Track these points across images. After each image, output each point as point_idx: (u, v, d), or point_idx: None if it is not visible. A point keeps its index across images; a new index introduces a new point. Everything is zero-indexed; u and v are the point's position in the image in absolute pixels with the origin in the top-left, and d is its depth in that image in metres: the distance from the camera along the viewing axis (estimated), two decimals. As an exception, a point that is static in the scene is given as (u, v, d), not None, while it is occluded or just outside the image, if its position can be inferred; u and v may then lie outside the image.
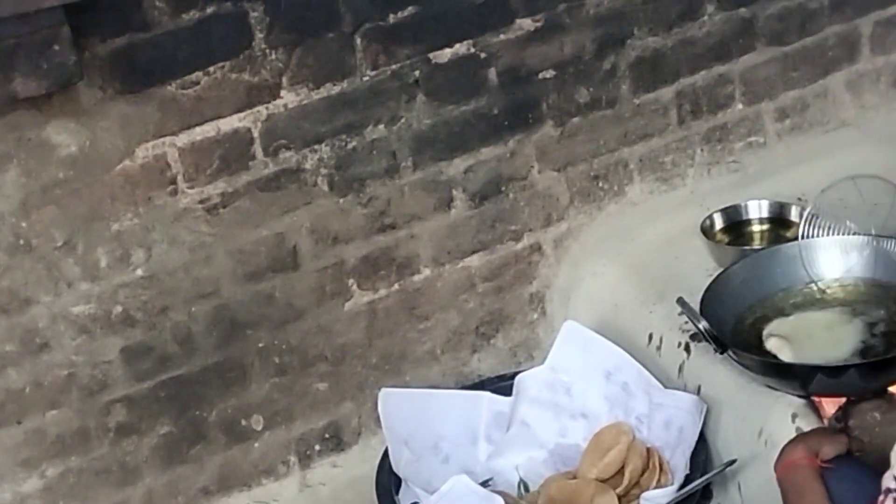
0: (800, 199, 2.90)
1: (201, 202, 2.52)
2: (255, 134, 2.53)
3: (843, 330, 2.44)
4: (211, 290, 2.58)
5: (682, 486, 2.40)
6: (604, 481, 2.49)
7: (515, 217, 2.85)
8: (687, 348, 2.59)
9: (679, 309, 2.54)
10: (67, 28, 2.15)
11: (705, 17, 2.91)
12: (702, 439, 2.47)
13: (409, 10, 2.59)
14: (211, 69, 2.44)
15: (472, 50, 2.68)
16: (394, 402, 2.59)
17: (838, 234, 2.61)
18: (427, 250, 2.78)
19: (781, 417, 2.33)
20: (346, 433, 2.82)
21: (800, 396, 2.34)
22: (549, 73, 2.78)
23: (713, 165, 3.05)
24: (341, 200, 2.65)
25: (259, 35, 2.47)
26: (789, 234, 2.80)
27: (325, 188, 2.63)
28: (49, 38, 2.14)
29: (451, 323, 2.86)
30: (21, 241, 2.39)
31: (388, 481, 2.55)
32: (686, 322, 2.56)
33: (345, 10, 2.53)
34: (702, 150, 3.02)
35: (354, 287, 2.73)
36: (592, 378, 2.61)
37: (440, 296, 2.82)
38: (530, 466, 2.61)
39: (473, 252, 2.83)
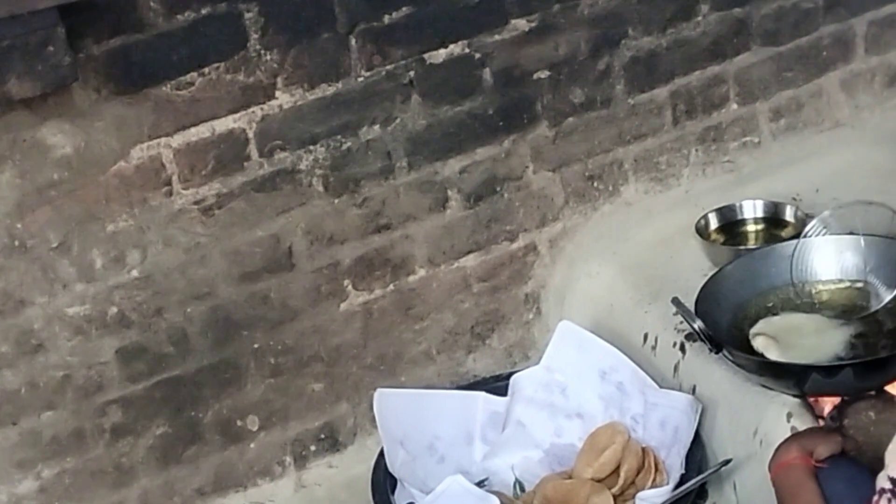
0: (794, 198, 2.91)
1: (196, 203, 2.52)
2: (250, 135, 2.53)
3: (830, 331, 2.45)
4: (206, 290, 2.58)
5: (677, 486, 2.40)
6: (599, 481, 2.49)
7: (510, 217, 2.85)
8: (682, 348, 2.59)
9: (674, 309, 2.54)
10: (62, 29, 2.15)
11: (700, 18, 2.91)
12: (697, 439, 2.47)
13: (404, 10, 2.59)
14: (206, 70, 2.44)
15: (467, 50, 2.68)
16: (389, 402, 2.59)
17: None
18: (422, 251, 2.78)
19: (776, 417, 2.33)
20: (341, 433, 2.82)
21: (794, 396, 2.34)
22: (544, 74, 2.78)
23: (708, 165, 3.05)
24: (336, 201, 2.66)
25: (254, 36, 2.47)
26: (784, 233, 2.81)
27: (320, 189, 2.63)
28: (44, 39, 2.14)
29: (447, 323, 2.86)
30: (16, 242, 2.39)
31: (383, 481, 2.55)
32: (681, 322, 2.56)
33: (339, 11, 2.53)
34: (696, 149, 3.03)
35: (350, 287, 2.73)
36: (587, 378, 2.61)
37: (435, 296, 2.82)
38: (526, 466, 2.61)
39: (468, 252, 2.83)
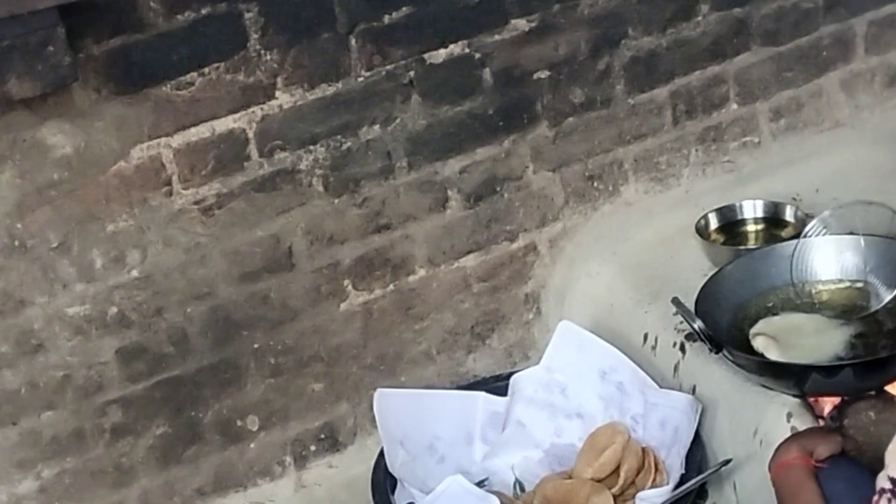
0: (794, 198, 2.91)
1: (196, 203, 2.52)
2: (250, 135, 2.53)
3: (830, 331, 2.45)
4: (206, 290, 2.58)
5: (677, 486, 2.40)
6: (599, 481, 2.49)
7: (510, 217, 2.85)
8: (682, 348, 2.59)
9: (674, 309, 2.54)
10: (62, 29, 2.15)
11: (700, 18, 2.91)
12: (697, 439, 2.47)
13: (404, 10, 2.59)
14: (206, 70, 2.44)
15: (467, 50, 2.68)
16: (389, 402, 2.59)
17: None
18: (422, 251, 2.78)
19: (776, 417, 2.33)
20: (341, 433, 2.82)
21: (794, 396, 2.34)
22: (544, 74, 2.78)
23: (708, 165, 3.05)
24: (336, 201, 2.66)
25: (254, 36, 2.47)
26: (784, 233, 2.81)
27: (320, 189, 2.63)
28: (44, 39, 2.14)
29: (447, 323, 2.86)
30: (16, 243, 2.39)
31: (383, 482, 2.55)
32: (681, 322, 2.56)
33: (339, 11, 2.53)
34: (696, 149, 3.03)
35: (350, 287, 2.73)
36: (587, 378, 2.61)
37: (435, 296, 2.82)
38: (526, 466, 2.61)
39: (468, 252, 2.83)
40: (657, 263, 2.83)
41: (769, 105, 3.07)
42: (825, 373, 2.28)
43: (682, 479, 2.41)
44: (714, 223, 2.88)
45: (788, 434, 2.23)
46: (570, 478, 2.53)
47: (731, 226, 2.88)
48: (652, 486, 2.45)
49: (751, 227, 2.89)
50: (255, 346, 2.66)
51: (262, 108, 2.52)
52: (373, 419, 2.61)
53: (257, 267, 2.62)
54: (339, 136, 2.62)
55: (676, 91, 2.95)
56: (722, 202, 2.90)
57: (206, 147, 2.50)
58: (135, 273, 2.51)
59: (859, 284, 2.54)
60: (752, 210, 2.89)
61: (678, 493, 2.37)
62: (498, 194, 2.82)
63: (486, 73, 2.72)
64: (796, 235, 2.68)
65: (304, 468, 2.80)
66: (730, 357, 2.40)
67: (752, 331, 2.47)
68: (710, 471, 2.42)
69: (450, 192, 2.77)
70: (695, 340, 2.53)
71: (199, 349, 2.61)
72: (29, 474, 2.53)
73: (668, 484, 2.43)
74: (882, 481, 1.69)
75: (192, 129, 2.47)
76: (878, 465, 1.72)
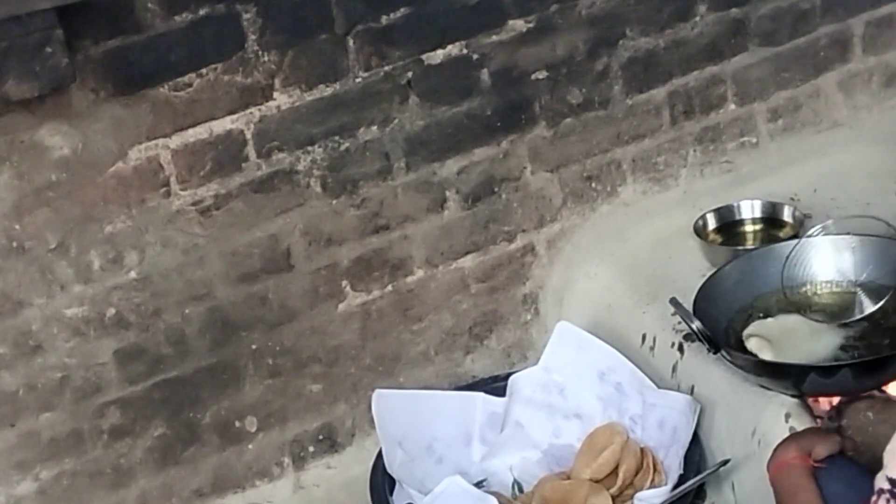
0: (792, 199, 2.91)
1: (194, 204, 2.52)
2: (248, 136, 2.53)
3: (824, 333, 2.44)
4: (204, 291, 2.58)
5: (675, 486, 2.40)
6: (598, 482, 2.49)
7: (508, 218, 2.85)
8: (680, 348, 2.59)
9: (672, 309, 2.54)
10: (60, 30, 2.15)
11: (697, 18, 2.91)
12: (695, 439, 2.47)
13: (402, 11, 2.59)
14: (203, 71, 2.44)
15: (465, 51, 2.68)
16: (387, 403, 2.59)
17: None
18: (420, 251, 2.78)
19: (774, 417, 2.33)
20: (339, 434, 2.82)
21: (793, 396, 2.34)
22: (542, 74, 2.78)
23: (706, 166, 3.05)
24: (334, 202, 2.66)
25: (252, 37, 2.47)
26: (782, 233, 2.81)
27: (319, 189, 2.63)
28: (41, 40, 2.14)
29: (445, 324, 2.86)
30: (14, 244, 2.39)
31: (382, 482, 2.56)
32: (679, 322, 2.56)
33: (337, 12, 2.53)
34: (694, 150, 3.03)
35: (348, 288, 2.73)
36: (586, 378, 2.61)
37: (433, 297, 2.82)
38: (524, 467, 2.61)
39: (467, 253, 2.83)
40: (655, 264, 2.83)
41: (767, 105, 3.07)
42: (823, 373, 2.28)
43: (681, 480, 2.41)
44: (712, 223, 2.88)
45: (787, 434, 2.23)
46: (569, 478, 2.53)
47: (729, 226, 2.89)
48: (650, 487, 2.45)
49: (749, 228, 2.89)
50: (254, 347, 2.66)
51: (260, 109, 2.52)
52: (371, 420, 2.61)
53: (255, 268, 2.62)
54: (337, 137, 2.62)
55: (674, 91, 2.95)
56: (720, 202, 2.90)
57: (204, 148, 2.50)
58: (133, 274, 2.51)
59: (855, 287, 2.54)
60: (750, 210, 2.89)
61: (677, 494, 2.37)
62: (496, 195, 2.82)
63: (484, 74, 2.72)
64: (794, 236, 2.68)
65: (303, 469, 2.80)
66: (728, 357, 2.40)
67: (746, 332, 2.47)
68: (708, 471, 2.42)
69: (448, 193, 2.77)
70: (693, 341, 2.53)
71: (198, 350, 2.61)
72: (27, 476, 2.52)
73: (666, 484, 2.43)
74: (881, 481, 1.69)
75: (190, 130, 2.47)
76: (876, 465, 1.72)
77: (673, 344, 2.61)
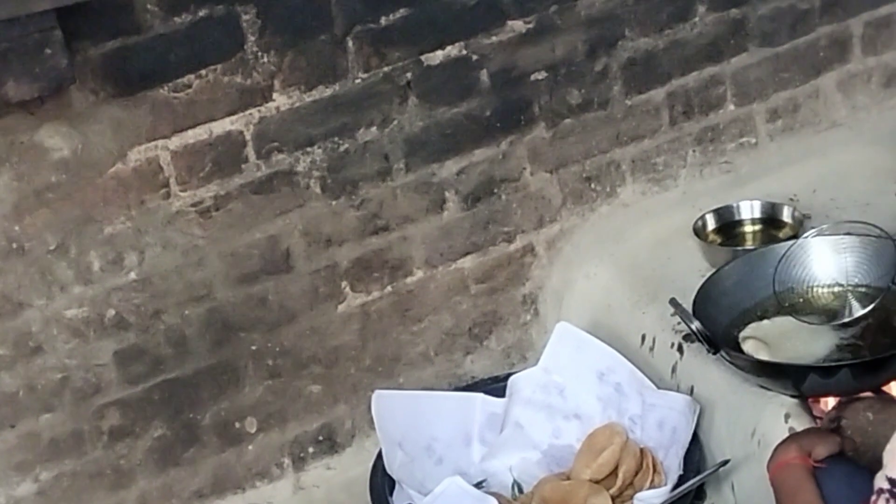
0: (792, 199, 2.91)
1: (194, 205, 2.52)
2: (248, 136, 2.53)
3: (821, 333, 2.44)
4: (204, 292, 2.58)
5: (675, 487, 2.40)
6: (597, 482, 2.49)
7: (508, 218, 2.85)
8: (680, 349, 2.59)
9: (672, 309, 2.54)
10: (59, 32, 2.15)
11: (696, 19, 2.91)
12: (695, 440, 2.47)
13: (401, 12, 2.59)
14: (203, 72, 2.45)
15: (464, 52, 2.68)
16: (387, 403, 2.59)
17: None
18: (420, 252, 2.78)
19: (774, 417, 2.33)
20: (339, 435, 2.82)
21: (792, 396, 2.34)
22: (541, 75, 2.78)
23: (705, 166, 3.05)
24: (334, 203, 2.66)
25: (251, 38, 2.47)
26: (781, 234, 2.81)
27: (318, 190, 2.63)
28: (41, 41, 2.14)
29: (444, 324, 2.86)
30: (14, 245, 2.39)
31: (381, 483, 2.56)
32: (679, 323, 2.56)
33: (336, 13, 2.53)
34: (694, 150, 3.03)
35: (347, 289, 2.73)
36: (585, 379, 2.61)
37: (433, 298, 2.82)
38: (524, 467, 2.61)
39: (466, 254, 2.83)
40: (655, 264, 2.83)
41: (766, 106, 3.07)
42: (823, 373, 2.29)
43: (681, 480, 2.41)
44: (711, 224, 2.88)
45: (786, 434, 2.23)
46: (569, 479, 2.54)
47: (728, 226, 2.89)
48: (650, 487, 2.45)
49: (748, 228, 2.89)
50: (253, 347, 2.66)
51: (259, 110, 2.52)
52: (371, 421, 2.61)
53: (255, 269, 2.62)
54: (336, 138, 2.62)
55: (673, 92, 2.95)
56: (719, 203, 2.90)
57: (203, 149, 2.50)
58: (133, 275, 2.51)
59: (849, 289, 2.54)
60: (749, 211, 2.89)
61: (676, 494, 2.37)
62: (495, 196, 2.82)
63: (484, 75, 2.72)
64: (794, 236, 2.68)
65: (303, 470, 2.80)
66: (727, 358, 2.40)
67: (742, 335, 2.47)
68: (708, 471, 2.42)
69: (447, 194, 2.77)
70: (692, 341, 2.53)
71: (197, 351, 2.61)
72: (27, 477, 2.52)
73: (666, 485, 2.43)
74: (880, 481, 1.69)
75: (190, 132, 2.48)
76: (876, 465, 1.72)
77: (672, 344, 2.61)
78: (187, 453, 2.66)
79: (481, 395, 2.70)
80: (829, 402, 2.32)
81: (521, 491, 2.57)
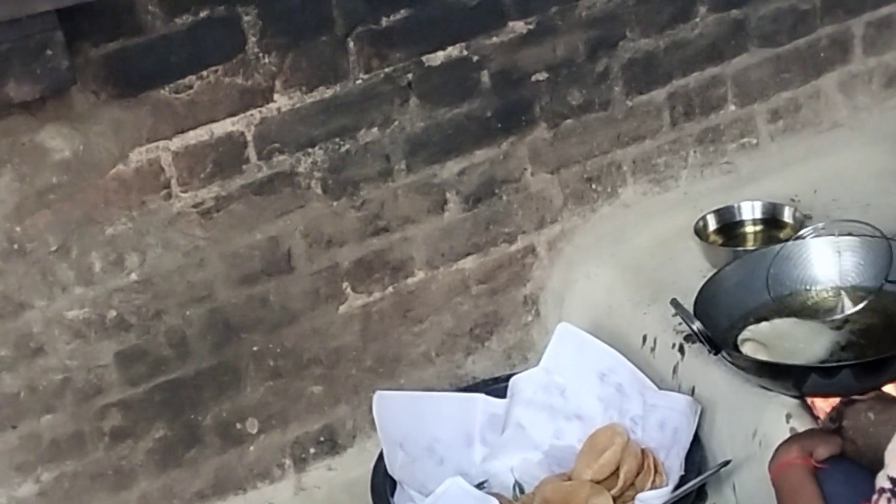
0: (793, 200, 2.91)
1: (195, 206, 2.52)
2: (249, 137, 2.53)
3: (819, 334, 2.44)
4: (205, 293, 2.58)
5: (676, 487, 2.40)
6: (599, 483, 2.49)
7: (509, 219, 2.85)
8: (681, 349, 2.59)
9: (673, 310, 2.54)
10: (60, 33, 2.15)
11: (697, 19, 2.91)
12: (696, 440, 2.47)
13: (402, 13, 2.59)
14: (204, 73, 2.45)
15: (465, 52, 2.69)
16: (388, 404, 2.59)
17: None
18: (421, 253, 2.78)
19: (775, 418, 2.33)
20: (340, 436, 2.82)
21: (794, 397, 2.34)
22: (542, 76, 2.78)
23: (706, 167, 3.05)
24: (335, 204, 2.66)
25: (252, 39, 2.47)
26: (783, 234, 2.81)
27: (319, 191, 2.63)
28: (42, 42, 2.14)
29: (446, 325, 2.86)
30: (15, 246, 2.39)
31: (383, 484, 2.56)
32: (680, 323, 2.56)
33: (337, 14, 2.53)
34: (695, 151, 3.03)
35: (348, 290, 2.73)
36: (587, 380, 2.61)
37: (434, 298, 2.82)
38: (525, 468, 2.61)
39: (467, 254, 2.83)
40: (656, 265, 2.83)
41: (767, 106, 3.07)
42: (824, 373, 2.28)
43: (682, 481, 2.41)
44: (712, 224, 2.88)
45: (788, 435, 2.22)
46: (570, 479, 2.53)
47: (729, 227, 2.88)
48: (651, 488, 2.45)
49: (749, 229, 2.89)
50: (255, 348, 2.67)
51: (260, 111, 2.53)
52: (372, 421, 2.61)
53: (256, 270, 2.62)
54: (337, 139, 2.62)
55: (674, 93, 2.95)
56: (720, 203, 2.90)
57: (204, 150, 2.50)
58: (134, 276, 2.51)
59: (846, 288, 2.54)
60: (750, 211, 2.89)
61: (678, 495, 2.37)
62: (496, 196, 2.82)
63: (485, 76, 2.72)
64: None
65: (304, 471, 2.80)
66: (728, 358, 2.40)
67: (740, 337, 2.46)
68: (709, 472, 2.42)
69: (448, 195, 2.77)
70: (694, 342, 2.53)
71: (199, 352, 2.61)
72: (28, 478, 2.52)
73: (667, 485, 2.43)
74: (882, 480, 1.69)
75: (191, 133, 2.48)
76: (877, 465, 1.72)
77: (673, 345, 2.61)
78: (188, 454, 2.66)
79: (482, 395, 2.70)
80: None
81: (522, 492, 2.57)
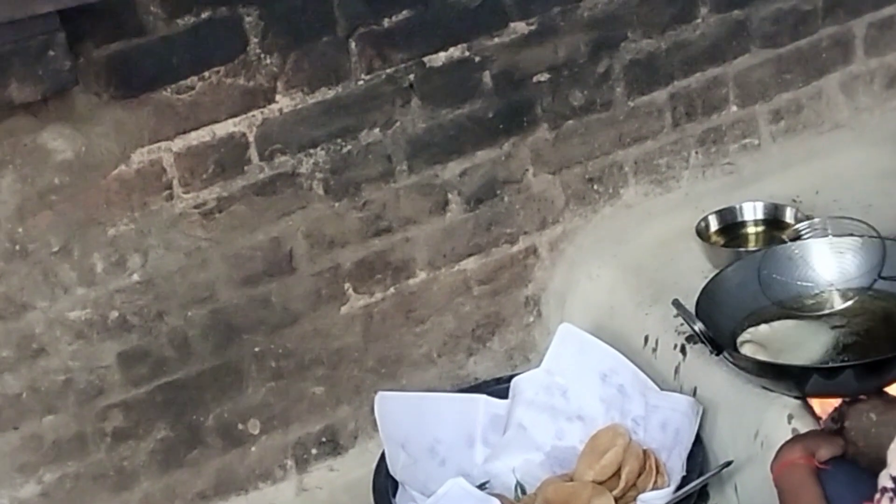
0: (794, 200, 2.91)
1: (197, 207, 2.52)
2: (251, 138, 2.53)
3: (819, 336, 2.44)
4: (207, 294, 2.58)
5: (678, 488, 2.40)
6: (600, 483, 2.49)
7: (510, 220, 2.85)
8: (682, 350, 2.59)
9: (674, 311, 2.54)
10: (62, 34, 2.15)
11: (699, 20, 2.91)
12: (698, 441, 2.47)
13: (404, 14, 2.59)
14: (206, 74, 2.45)
15: (467, 53, 2.69)
16: (390, 405, 2.59)
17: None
18: (422, 254, 2.78)
19: (777, 418, 2.33)
20: (342, 437, 2.82)
21: (795, 398, 2.34)
22: (544, 76, 2.78)
23: (708, 167, 3.05)
24: (337, 204, 2.66)
25: (254, 40, 2.47)
26: (784, 235, 2.80)
27: (321, 192, 2.63)
28: (44, 43, 2.14)
29: (447, 326, 2.86)
30: (17, 247, 2.39)
31: (384, 485, 2.55)
32: (681, 324, 2.56)
33: (339, 15, 2.53)
34: (696, 152, 3.03)
35: (350, 291, 2.73)
36: (588, 380, 2.61)
37: (436, 299, 2.82)
38: (527, 469, 2.61)
39: (469, 255, 2.83)
40: (657, 265, 2.83)
41: (769, 107, 3.07)
42: (826, 374, 2.28)
43: (684, 481, 2.41)
44: (714, 225, 2.88)
45: (789, 436, 2.23)
46: (572, 480, 2.53)
47: (731, 228, 2.89)
48: (653, 489, 2.45)
49: (751, 229, 2.89)
50: (256, 349, 2.67)
51: (262, 112, 2.53)
52: (374, 422, 2.61)
53: (258, 270, 2.62)
54: (339, 140, 2.62)
55: (676, 93, 2.95)
56: (722, 204, 2.90)
57: (206, 151, 2.50)
58: (136, 277, 2.51)
59: (840, 286, 2.54)
60: (752, 212, 2.89)
61: (679, 495, 2.37)
62: (498, 197, 2.82)
63: (486, 76, 2.72)
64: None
65: (306, 472, 2.80)
66: (730, 359, 2.40)
67: (740, 339, 2.46)
68: (711, 473, 2.42)
69: (450, 195, 2.77)
70: (695, 342, 2.53)
71: (200, 353, 2.61)
72: (31, 479, 2.53)
73: (669, 486, 2.43)
74: (884, 480, 1.69)
75: (193, 133, 2.48)
76: (879, 466, 1.72)
77: (675, 346, 2.61)
78: (190, 455, 2.67)
79: (484, 396, 2.69)
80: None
81: (524, 492, 2.57)
